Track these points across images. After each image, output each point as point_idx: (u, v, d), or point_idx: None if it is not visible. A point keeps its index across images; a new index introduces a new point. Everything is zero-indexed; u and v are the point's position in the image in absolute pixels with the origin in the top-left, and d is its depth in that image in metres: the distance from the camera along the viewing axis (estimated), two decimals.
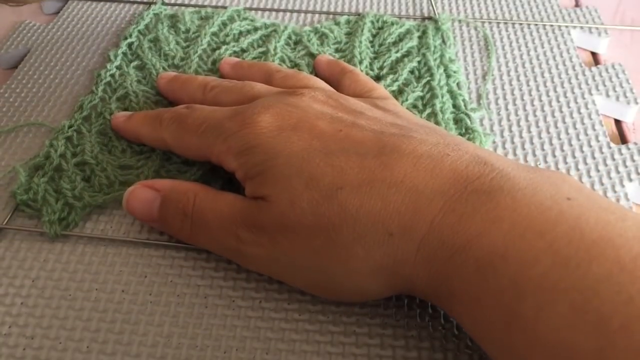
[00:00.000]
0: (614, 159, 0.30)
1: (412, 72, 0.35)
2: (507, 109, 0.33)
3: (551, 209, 0.19)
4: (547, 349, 0.17)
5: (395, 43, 0.37)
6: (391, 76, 0.34)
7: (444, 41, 0.37)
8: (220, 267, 0.25)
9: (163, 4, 0.40)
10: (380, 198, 0.20)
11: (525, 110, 0.33)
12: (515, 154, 0.31)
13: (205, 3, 0.41)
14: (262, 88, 0.28)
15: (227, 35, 0.37)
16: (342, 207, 0.21)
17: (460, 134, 0.31)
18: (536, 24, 0.40)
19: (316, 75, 0.33)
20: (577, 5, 0.43)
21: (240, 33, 0.38)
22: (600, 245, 0.17)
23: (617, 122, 0.34)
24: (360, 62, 0.35)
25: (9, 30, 0.39)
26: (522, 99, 0.34)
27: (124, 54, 0.36)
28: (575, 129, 0.32)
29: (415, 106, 0.33)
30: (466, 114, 0.32)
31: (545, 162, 0.30)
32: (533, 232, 0.18)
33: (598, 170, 0.30)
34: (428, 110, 0.32)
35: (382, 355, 0.22)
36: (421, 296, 0.22)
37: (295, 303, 0.24)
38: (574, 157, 0.30)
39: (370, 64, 0.36)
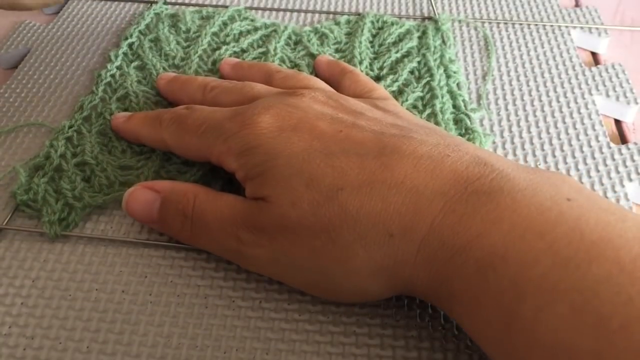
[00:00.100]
0: (614, 159, 0.30)
1: (412, 72, 0.35)
2: (507, 109, 0.33)
3: (551, 210, 0.19)
4: (547, 349, 0.17)
5: (395, 43, 0.37)
6: (391, 76, 0.34)
7: (444, 41, 0.37)
8: (220, 268, 0.25)
9: (165, 3, 0.40)
10: (381, 199, 0.20)
11: (525, 110, 0.33)
12: (515, 154, 0.31)
13: (207, 2, 0.41)
14: (262, 88, 0.28)
15: (227, 36, 0.37)
16: (343, 207, 0.21)
17: (460, 135, 0.31)
18: (536, 24, 0.40)
19: (316, 75, 0.33)
20: (577, 5, 0.43)
21: (241, 33, 0.38)
22: (600, 246, 0.17)
23: (617, 122, 0.34)
24: (360, 63, 0.35)
25: (9, 30, 0.39)
26: (522, 99, 0.34)
27: (125, 54, 0.36)
28: (575, 129, 0.32)
29: (415, 106, 0.33)
30: (466, 115, 0.32)
31: (546, 162, 0.30)
32: (533, 233, 0.18)
33: (598, 170, 0.30)
34: (428, 111, 0.32)
35: (382, 355, 0.22)
36: (421, 297, 0.22)
37: (295, 303, 0.24)
38: (574, 157, 0.30)
39: (370, 64, 0.36)
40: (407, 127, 0.24)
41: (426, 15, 0.41)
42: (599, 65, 0.36)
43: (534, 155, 0.31)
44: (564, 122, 0.32)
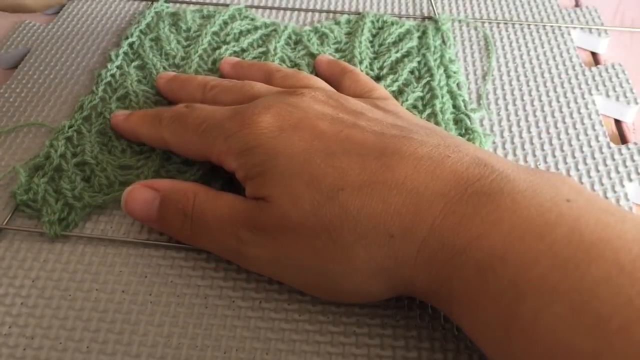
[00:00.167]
0: (614, 159, 0.30)
1: (412, 72, 0.35)
2: (507, 110, 0.33)
3: (551, 211, 0.19)
4: (546, 350, 0.17)
5: (395, 43, 0.37)
6: (391, 76, 0.34)
7: (444, 41, 0.37)
8: (220, 268, 0.25)
9: (166, 1, 0.40)
10: (381, 200, 0.20)
11: (525, 110, 0.33)
12: (515, 154, 0.31)
13: (207, 0, 0.41)
14: (262, 87, 0.28)
15: (227, 35, 0.37)
16: (344, 208, 0.21)
17: (460, 135, 0.31)
18: (536, 25, 0.40)
19: (316, 75, 0.33)
20: (577, 5, 0.42)
21: (241, 32, 0.38)
22: (600, 247, 0.17)
23: (617, 122, 0.34)
24: (360, 62, 0.35)
25: (9, 30, 0.39)
26: (522, 99, 0.34)
27: (125, 53, 0.36)
28: (575, 129, 0.32)
29: (415, 106, 0.33)
30: (466, 115, 0.32)
31: (546, 162, 0.30)
32: (532, 234, 0.18)
33: (598, 171, 0.30)
34: (428, 111, 0.32)
35: (382, 355, 0.22)
36: (421, 298, 0.22)
37: (295, 303, 0.24)
38: (574, 157, 0.30)
39: (370, 64, 0.36)
40: (407, 127, 0.24)
41: (426, 15, 0.41)
42: (599, 65, 0.36)
43: (534, 155, 0.31)
44: (564, 122, 0.32)
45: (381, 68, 0.35)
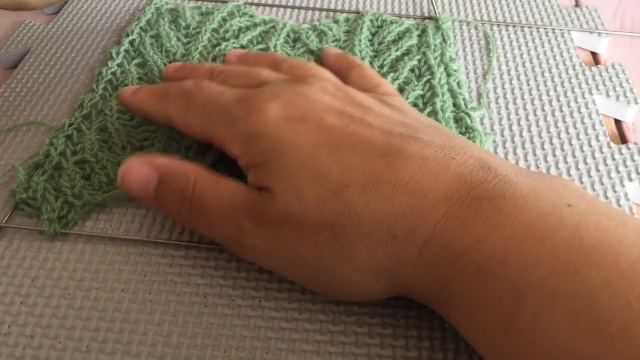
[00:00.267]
0: (614, 159, 0.30)
1: (412, 70, 0.35)
2: (507, 108, 0.33)
3: (552, 215, 0.19)
4: (546, 353, 0.17)
5: (394, 41, 0.37)
6: (391, 75, 0.34)
7: (444, 40, 0.37)
8: (219, 266, 0.25)
9: None
10: (386, 199, 0.20)
11: (525, 109, 0.33)
12: (515, 153, 0.31)
13: None
14: (270, 75, 0.28)
15: (226, 32, 0.37)
16: (348, 205, 0.21)
17: (460, 133, 0.31)
18: (537, 27, 0.39)
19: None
20: (577, 5, 0.42)
21: (240, 29, 0.38)
22: (600, 251, 0.17)
23: (617, 122, 0.34)
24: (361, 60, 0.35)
25: (9, 30, 0.39)
26: (523, 98, 0.34)
27: (126, 51, 0.36)
28: (576, 128, 0.32)
29: (415, 105, 0.33)
30: (466, 113, 0.32)
31: (546, 161, 0.30)
32: (533, 238, 0.18)
33: (598, 170, 0.30)
34: (428, 109, 0.32)
35: (382, 354, 0.22)
36: (420, 299, 0.22)
37: (295, 302, 0.24)
38: (574, 156, 0.30)
39: (371, 63, 0.35)
40: (413, 125, 0.23)
41: (426, 15, 0.40)
42: (599, 65, 0.36)
43: (535, 154, 0.31)
44: (564, 122, 0.32)
45: (381, 66, 0.35)
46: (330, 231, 0.21)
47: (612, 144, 0.31)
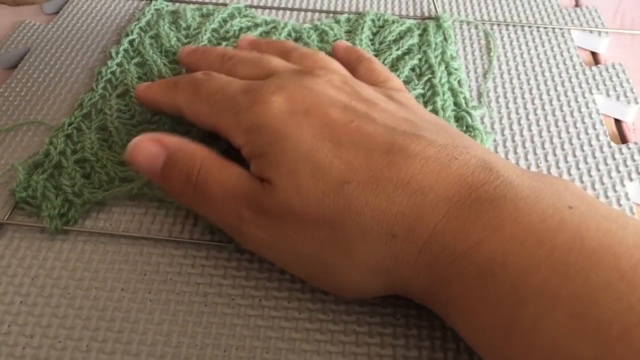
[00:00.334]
0: (614, 159, 0.30)
1: (413, 69, 0.35)
2: (507, 108, 0.33)
3: (552, 217, 0.19)
4: (546, 356, 0.17)
5: (395, 41, 0.37)
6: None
7: (445, 38, 0.37)
8: (219, 265, 0.25)
9: None
10: (386, 198, 0.20)
11: (525, 108, 0.33)
12: (515, 153, 0.31)
13: (206, 0, 0.41)
14: (279, 63, 0.28)
15: (227, 32, 0.37)
16: (348, 202, 0.20)
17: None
18: (537, 27, 0.39)
19: None
20: (577, 5, 0.42)
21: (241, 29, 0.38)
22: (601, 253, 0.17)
23: (617, 122, 0.34)
24: None
25: (9, 30, 0.39)
26: (523, 98, 0.34)
27: (125, 50, 0.36)
28: (576, 128, 0.32)
29: None
30: (467, 112, 0.32)
31: (546, 160, 0.30)
32: (533, 240, 0.18)
33: (598, 170, 0.30)
34: (429, 108, 0.32)
35: (382, 354, 0.22)
36: (418, 300, 0.22)
37: (295, 301, 0.24)
38: (574, 156, 0.30)
39: None
40: (418, 123, 0.23)
41: (427, 15, 0.40)
42: (599, 65, 0.36)
43: (535, 153, 0.31)
44: (565, 121, 0.32)
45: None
46: (330, 227, 0.21)
47: (612, 144, 0.31)
